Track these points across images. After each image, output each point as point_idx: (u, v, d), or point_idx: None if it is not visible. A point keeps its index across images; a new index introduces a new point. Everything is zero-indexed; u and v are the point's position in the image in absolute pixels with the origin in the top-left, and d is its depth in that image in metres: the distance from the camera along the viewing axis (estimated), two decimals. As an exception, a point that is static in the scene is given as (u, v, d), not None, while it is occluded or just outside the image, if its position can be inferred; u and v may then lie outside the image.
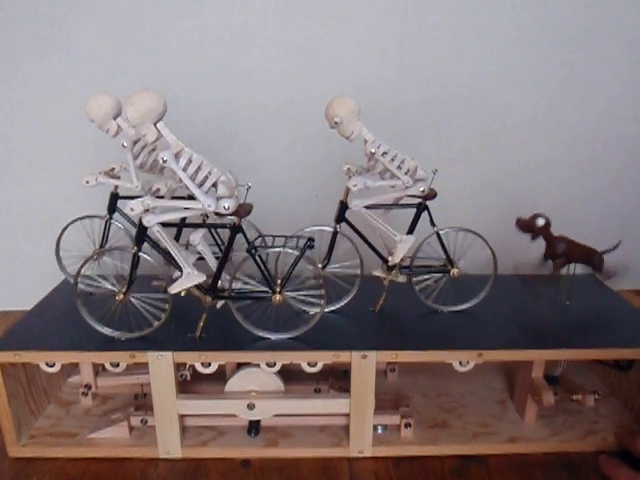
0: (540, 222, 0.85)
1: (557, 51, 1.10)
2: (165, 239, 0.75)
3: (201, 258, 0.81)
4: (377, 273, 0.87)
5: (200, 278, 0.77)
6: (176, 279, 0.77)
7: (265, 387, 0.81)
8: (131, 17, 1.05)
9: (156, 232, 0.75)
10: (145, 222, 0.73)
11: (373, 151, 0.78)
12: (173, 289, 0.77)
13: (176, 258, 0.76)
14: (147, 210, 0.73)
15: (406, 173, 0.80)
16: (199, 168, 0.71)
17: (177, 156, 0.70)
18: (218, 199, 0.71)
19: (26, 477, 0.78)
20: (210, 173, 0.71)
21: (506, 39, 1.09)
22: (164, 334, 0.79)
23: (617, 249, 0.88)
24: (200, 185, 0.71)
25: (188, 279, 0.77)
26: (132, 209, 0.72)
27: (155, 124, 0.69)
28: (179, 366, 0.81)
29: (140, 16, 1.05)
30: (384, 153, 0.79)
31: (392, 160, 0.79)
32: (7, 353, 0.76)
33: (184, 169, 0.71)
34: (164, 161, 0.69)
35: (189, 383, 0.84)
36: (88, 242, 0.91)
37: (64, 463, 0.80)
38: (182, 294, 0.78)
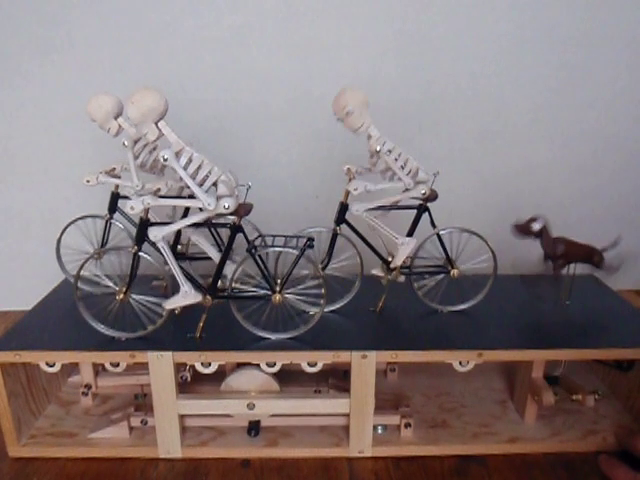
0: (536, 226, 0.84)
1: (557, 51, 1.10)
2: (168, 254, 0.75)
3: (206, 258, 0.81)
4: (376, 272, 0.87)
5: (196, 298, 0.77)
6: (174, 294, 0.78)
7: (261, 389, 0.81)
8: (131, 17, 1.05)
9: (161, 248, 0.75)
10: (152, 237, 0.74)
11: (378, 149, 0.77)
12: (168, 305, 0.77)
13: (176, 275, 0.76)
14: (148, 209, 0.73)
15: (408, 174, 0.80)
16: (199, 167, 0.71)
17: (178, 155, 0.70)
18: (218, 198, 0.71)
19: (26, 477, 0.78)
20: (210, 172, 0.72)
21: (506, 39, 1.09)
22: (164, 334, 0.79)
23: (617, 246, 0.88)
24: (200, 184, 0.72)
25: (185, 297, 0.77)
26: (132, 208, 0.72)
27: (156, 123, 0.69)
28: (179, 367, 0.81)
29: (140, 16, 1.05)
30: (388, 151, 0.78)
31: (396, 159, 0.79)
32: (7, 353, 0.76)
33: (185, 168, 0.71)
34: (165, 159, 0.69)
35: (189, 383, 0.84)
36: (88, 242, 0.91)
37: (64, 463, 0.80)
38: (176, 312, 0.78)
